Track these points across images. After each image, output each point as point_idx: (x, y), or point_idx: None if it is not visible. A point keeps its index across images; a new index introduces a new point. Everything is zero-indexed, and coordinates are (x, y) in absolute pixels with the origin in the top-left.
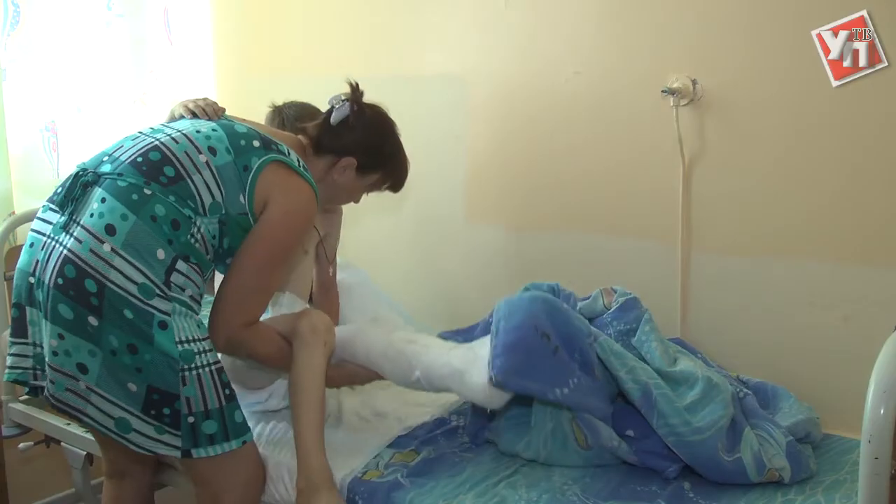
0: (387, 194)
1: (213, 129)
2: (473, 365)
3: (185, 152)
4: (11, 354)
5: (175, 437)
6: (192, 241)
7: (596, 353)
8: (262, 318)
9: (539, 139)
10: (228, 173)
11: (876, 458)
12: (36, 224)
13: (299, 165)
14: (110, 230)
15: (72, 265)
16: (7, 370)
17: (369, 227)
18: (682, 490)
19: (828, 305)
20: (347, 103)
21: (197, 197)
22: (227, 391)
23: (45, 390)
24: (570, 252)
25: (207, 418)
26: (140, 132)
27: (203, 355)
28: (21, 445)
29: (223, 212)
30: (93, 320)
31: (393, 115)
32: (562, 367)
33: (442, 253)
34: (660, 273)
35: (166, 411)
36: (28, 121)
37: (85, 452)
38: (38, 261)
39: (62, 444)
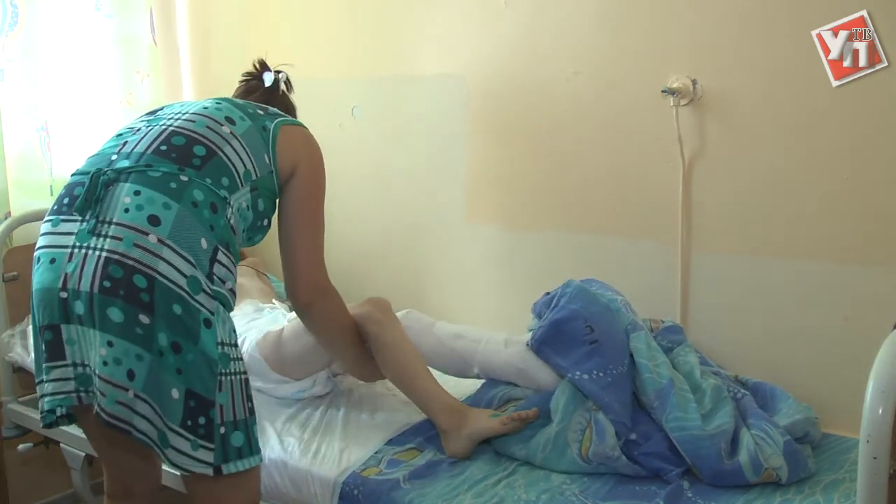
0: (389, 193)
1: (218, 104)
2: (535, 363)
3: (207, 127)
4: (51, 380)
5: (208, 451)
6: (229, 223)
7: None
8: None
9: (539, 139)
10: (252, 137)
11: (874, 458)
12: (49, 240)
13: (294, 117)
14: (154, 220)
15: (117, 265)
16: (48, 398)
17: (369, 226)
18: (681, 489)
19: (828, 305)
20: (281, 73)
21: (232, 169)
22: (250, 404)
23: (96, 406)
24: (570, 252)
25: (236, 429)
26: (132, 125)
27: (236, 363)
28: (20, 447)
29: (254, 177)
30: (144, 318)
31: (393, 115)
32: (592, 356)
33: (442, 252)
34: (660, 273)
35: (202, 420)
36: (25, 121)
37: (84, 454)
38: (67, 274)
39: (61, 445)
